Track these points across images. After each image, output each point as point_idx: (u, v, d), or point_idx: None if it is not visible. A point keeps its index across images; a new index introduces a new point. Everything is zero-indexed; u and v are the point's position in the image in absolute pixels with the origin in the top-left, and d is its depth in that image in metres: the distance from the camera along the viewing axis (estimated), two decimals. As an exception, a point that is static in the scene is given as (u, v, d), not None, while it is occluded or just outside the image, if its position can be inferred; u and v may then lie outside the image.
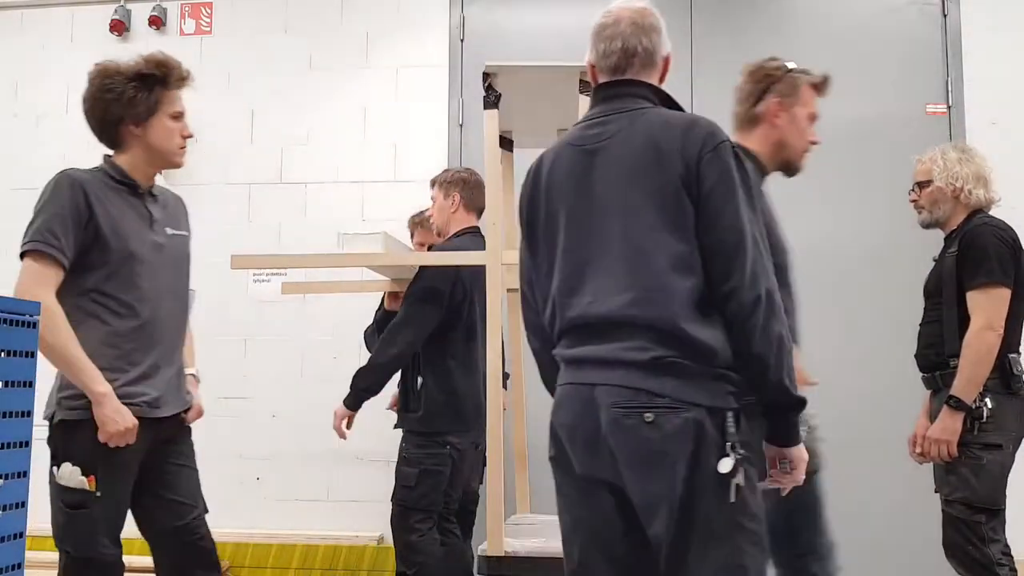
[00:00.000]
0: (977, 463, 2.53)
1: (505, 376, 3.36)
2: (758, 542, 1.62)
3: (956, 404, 2.53)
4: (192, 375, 2.40)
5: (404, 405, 3.13)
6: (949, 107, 3.95)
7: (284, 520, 4.08)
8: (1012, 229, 2.69)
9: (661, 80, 1.84)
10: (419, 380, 3.06)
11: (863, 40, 4.01)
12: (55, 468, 2.09)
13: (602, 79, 1.84)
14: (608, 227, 1.70)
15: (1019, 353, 2.65)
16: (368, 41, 4.32)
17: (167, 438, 2.23)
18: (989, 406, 2.54)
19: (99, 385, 2.03)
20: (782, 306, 1.65)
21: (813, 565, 2.17)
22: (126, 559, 2.22)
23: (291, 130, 4.31)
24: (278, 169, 4.30)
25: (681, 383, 1.60)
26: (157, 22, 4.41)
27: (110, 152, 2.26)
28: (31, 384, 2.71)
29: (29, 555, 3.03)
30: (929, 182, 2.80)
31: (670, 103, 1.81)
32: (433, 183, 3.30)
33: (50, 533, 4.42)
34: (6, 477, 2.58)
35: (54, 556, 4.06)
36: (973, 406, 2.53)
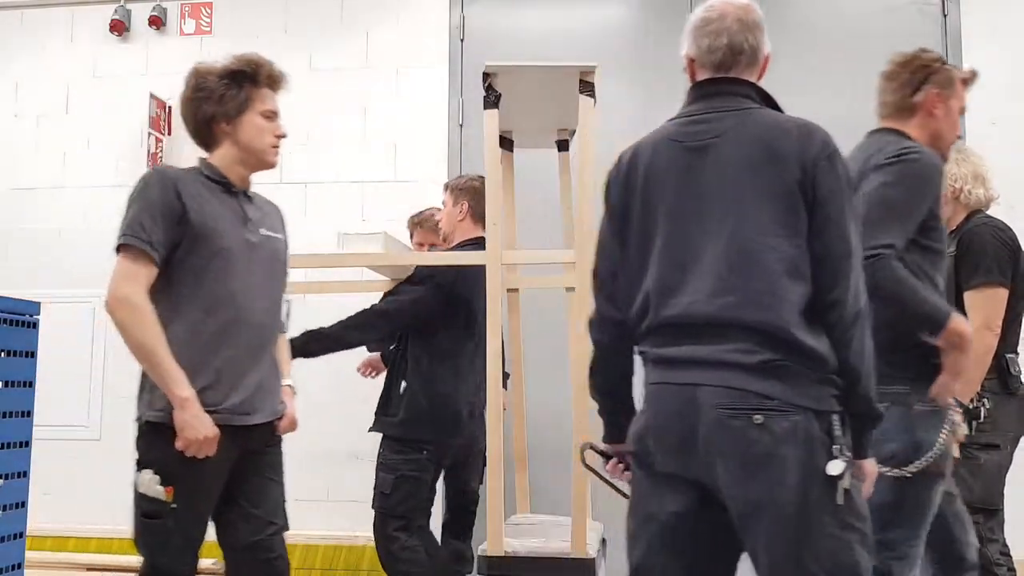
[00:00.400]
0: (974, 463, 2.53)
1: (505, 376, 3.36)
2: (866, 542, 1.61)
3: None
4: (288, 386, 2.32)
5: (383, 408, 3.09)
6: (949, 107, 3.95)
7: (284, 520, 4.08)
8: (1010, 229, 2.69)
9: (758, 79, 1.83)
10: (403, 384, 3.02)
11: (863, 40, 4.01)
12: (136, 474, 2.06)
13: (702, 75, 1.82)
14: (715, 226, 1.68)
15: (1017, 353, 2.65)
16: (368, 41, 4.32)
17: (256, 448, 2.16)
18: (987, 406, 2.54)
19: (182, 389, 1.97)
20: None
21: (893, 563, 2.14)
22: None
23: (291, 130, 4.29)
24: (278, 169, 4.27)
25: (788, 386, 1.59)
26: (157, 22, 4.41)
27: (205, 155, 2.25)
28: (31, 384, 2.72)
29: (29, 555, 3.03)
30: None
31: (772, 104, 1.80)
32: (446, 187, 3.29)
33: (50, 533, 4.43)
34: (6, 477, 2.58)
35: (54, 556, 4.07)
36: (971, 407, 2.53)
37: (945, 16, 4.00)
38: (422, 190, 4.04)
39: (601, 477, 1.99)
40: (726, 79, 1.79)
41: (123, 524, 4.33)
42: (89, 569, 3.96)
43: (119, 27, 4.42)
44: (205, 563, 3.96)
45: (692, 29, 1.82)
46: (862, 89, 4.03)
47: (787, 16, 4.07)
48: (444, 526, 3.53)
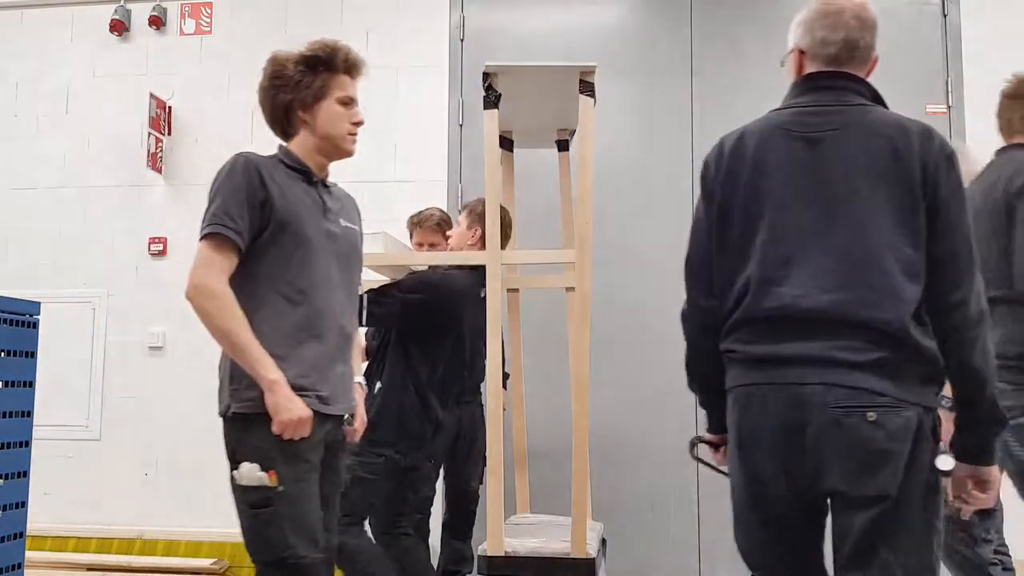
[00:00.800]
0: None
1: (505, 376, 3.36)
2: (940, 544, 1.65)
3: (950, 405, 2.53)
4: (359, 383, 2.30)
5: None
6: (949, 107, 3.95)
7: (284, 520, 4.08)
8: None
9: (867, 76, 1.82)
10: (377, 385, 2.99)
11: (863, 40, 4.01)
12: (234, 471, 1.96)
13: (813, 67, 1.81)
14: (827, 220, 1.66)
15: None
16: (368, 41, 4.32)
17: (328, 443, 2.09)
18: None
19: (271, 372, 1.91)
20: None
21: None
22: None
23: (291, 130, 4.31)
24: (278, 169, 4.30)
25: (898, 383, 1.59)
26: (157, 22, 4.41)
27: (284, 143, 2.20)
28: (31, 384, 2.72)
29: (29, 555, 3.03)
30: None
31: (882, 104, 1.79)
32: (464, 208, 3.29)
33: (50, 533, 4.41)
34: (6, 477, 2.58)
35: (54, 556, 4.07)
36: None
37: (945, 16, 4.00)
38: (422, 190, 4.05)
39: (711, 467, 2.01)
40: (841, 73, 1.78)
41: (122, 524, 4.34)
42: (89, 569, 3.96)
43: (119, 27, 4.42)
44: (205, 563, 3.97)
45: (807, 20, 1.82)
46: (862, 89, 4.06)
47: (787, 16, 4.06)
48: (444, 526, 3.53)
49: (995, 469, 1.68)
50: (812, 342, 1.62)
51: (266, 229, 2.01)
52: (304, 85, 2.10)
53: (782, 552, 1.73)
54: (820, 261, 1.65)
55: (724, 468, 1.92)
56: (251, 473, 1.92)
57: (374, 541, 3.05)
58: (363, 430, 2.28)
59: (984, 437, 1.65)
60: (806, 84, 1.81)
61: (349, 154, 2.21)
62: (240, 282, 1.97)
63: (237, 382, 1.97)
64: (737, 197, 1.76)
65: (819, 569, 1.75)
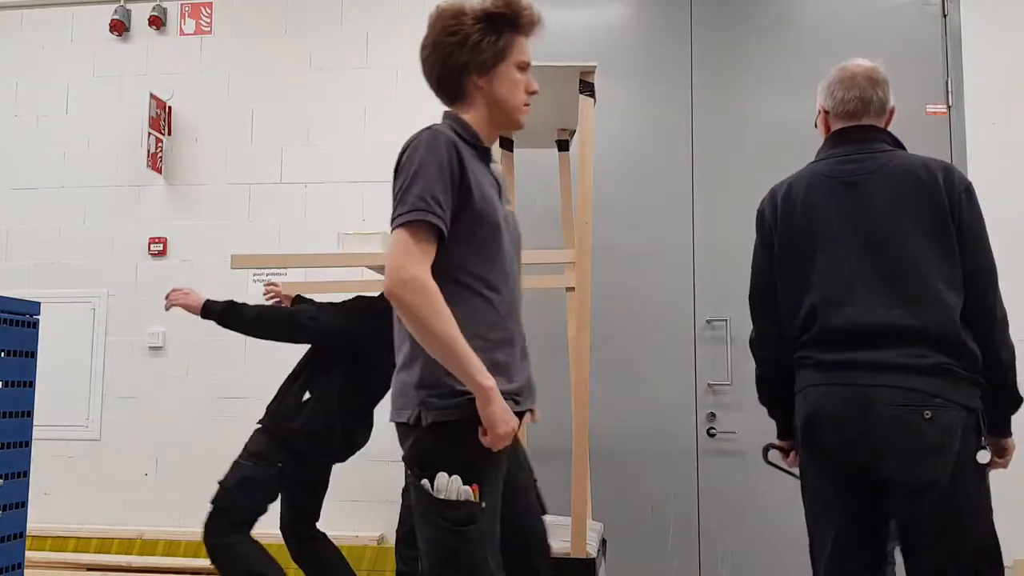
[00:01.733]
0: None
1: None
2: (992, 522, 1.94)
3: None
4: None
5: (277, 407, 3.00)
6: (949, 107, 3.95)
7: (284, 520, 4.08)
8: None
9: (886, 126, 2.18)
10: (306, 395, 2.95)
11: (863, 40, 4.01)
12: (426, 481, 1.75)
13: (838, 124, 2.16)
14: (879, 249, 1.98)
15: None
16: (368, 41, 4.32)
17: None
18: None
19: (487, 378, 1.71)
20: None
21: None
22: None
23: (291, 130, 4.31)
24: (278, 169, 4.31)
25: (949, 385, 1.89)
26: (157, 22, 4.41)
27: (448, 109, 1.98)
28: (31, 384, 2.72)
29: (29, 555, 3.03)
30: None
31: (902, 147, 2.12)
32: None
33: (50, 533, 4.39)
34: (6, 477, 2.58)
35: (54, 556, 4.07)
36: None
37: (945, 16, 4.00)
38: (422, 190, 4.05)
39: (783, 470, 2.30)
40: (865, 127, 2.13)
41: (122, 524, 4.31)
42: (89, 569, 3.96)
43: (119, 27, 4.42)
44: (205, 563, 3.97)
45: (828, 85, 2.17)
46: (862, 89, 4.06)
47: (787, 16, 4.07)
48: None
49: (1012, 440, 2.03)
50: (878, 351, 1.92)
51: (460, 214, 1.78)
52: (485, 46, 1.84)
53: (848, 531, 2.00)
54: (877, 284, 1.96)
55: (792, 470, 2.22)
56: (453, 486, 1.74)
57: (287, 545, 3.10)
58: (532, 421, 2.10)
59: (1005, 414, 2.00)
60: (837, 138, 2.14)
61: (520, 127, 1.96)
62: (435, 274, 1.76)
63: (430, 387, 1.78)
64: (792, 237, 2.09)
65: (880, 551, 2.01)
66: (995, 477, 2.59)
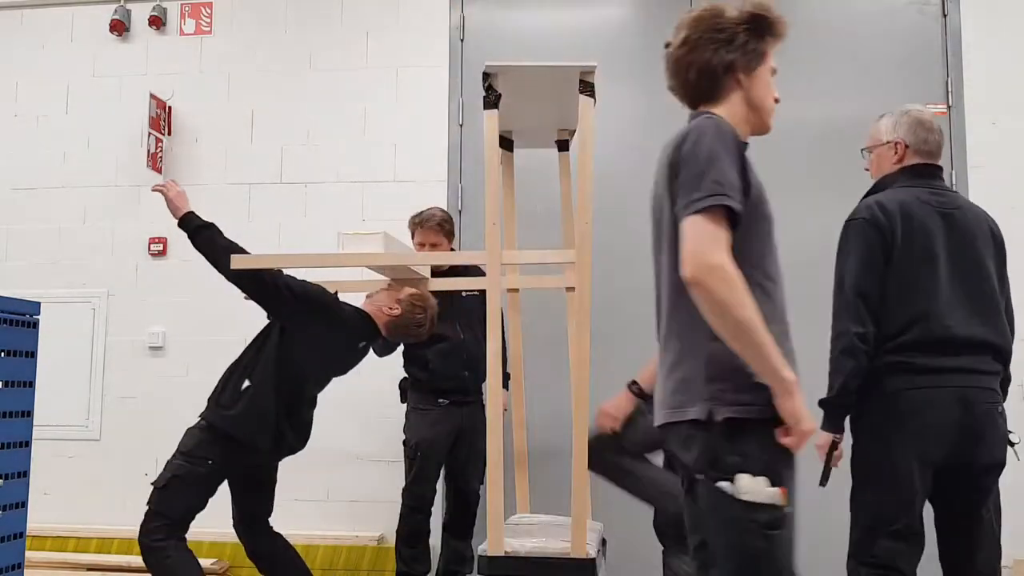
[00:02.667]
0: None
1: (505, 376, 3.36)
2: None
3: None
4: None
5: (217, 397, 2.95)
6: (949, 107, 3.95)
7: (284, 520, 4.07)
8: None
9: None
10: (246, 383, 2.91)
11: (863, 40, 4.01)
12: (726, 483, 1.64)
13: (916, 159, 2.50)
14: (970, 275, 2.39)
15: None
16: (368, 41, 4.32)
17: None
18: None
19: (789, 371, 1.63)
20: None
21: None
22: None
23: (291, 130, 4.31)
24: (278, 169, 4.31)
25: (1002, 389, 2.42)
26: (157, 22, 4.41)
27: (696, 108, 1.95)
28: (31, 384, 2.72)
29: (29, 555, 3.03)
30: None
31: None
32: (391, 281, 3.24)
33: (50, 533, 4.36)
34: (6, 477, 2.58)
35: (54, 556, 4.06)
36: None
37: (945, 16, 4.00)
38: (422, 190, 4.05)
39: (828, 464, 2.48)
40: (939, 166, 2.54)
41: (122, 524, 4.29)
42: (89, 569, 3.96)
43: (119, 27, 4.42)
44: (205, 563, 3.97)
45: (909, 124, 2.50)
46: (863, 89, 4.06)
47: (787, 16, 4.07)
48: (444, 526, 3.54)
49: None
50: (969, 357, 2.33)
51: (743, 206, 1.72)
52: (750, 46, 1.87)
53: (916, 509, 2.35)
54: (962, 302, 2.36)
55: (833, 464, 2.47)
56: (760, 488, 1.63)
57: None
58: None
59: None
60: (921, 171, 2.50)
61: (768, 130, 1.94)
62: None
63: (723, 381, 1.68)
64: (908, 250, 2.38)
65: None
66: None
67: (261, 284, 2.88)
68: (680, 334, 1.75)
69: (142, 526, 2.89)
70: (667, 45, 1.96)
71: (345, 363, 3.12)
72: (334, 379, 3.16)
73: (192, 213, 2.94)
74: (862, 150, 2.64)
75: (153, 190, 3.05)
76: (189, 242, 2.95)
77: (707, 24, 1.87)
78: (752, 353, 1.62)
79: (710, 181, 1.66)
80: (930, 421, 2.30)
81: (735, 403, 1.66)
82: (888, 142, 2.53)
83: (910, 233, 2.38)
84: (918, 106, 2.54)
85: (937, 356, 2.32)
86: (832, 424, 2.42)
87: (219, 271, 2.89)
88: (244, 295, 2.95)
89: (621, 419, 2.71)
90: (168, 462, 2.94)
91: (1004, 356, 2.40)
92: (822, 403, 2.40)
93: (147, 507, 2.91)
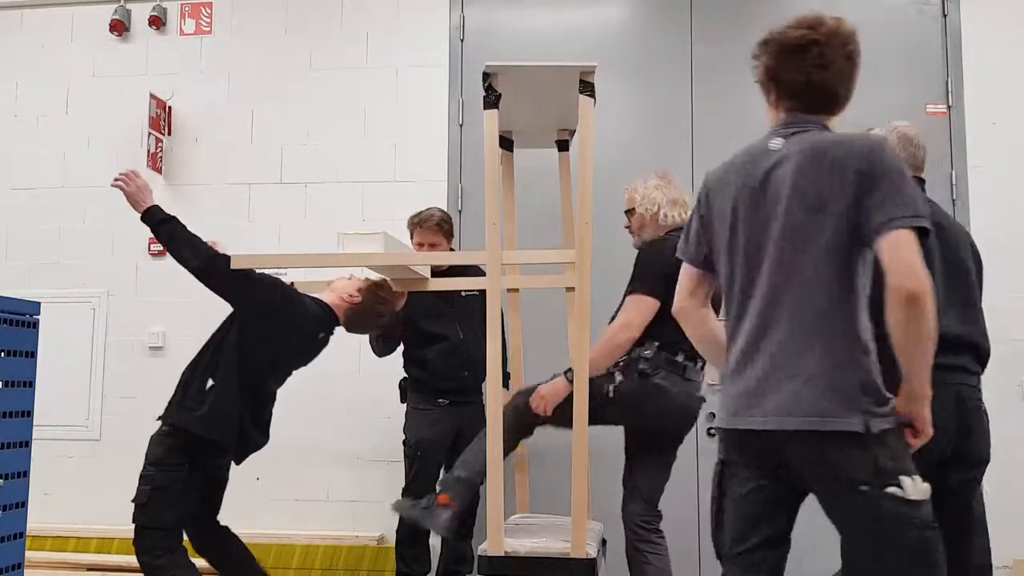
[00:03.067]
0: None
1: (506, 376, 3.36)
2: None
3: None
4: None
5: (181, 400, 2.89)
6: (949, 107, 3.95)
7: (284, 520, 4.08)
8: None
9: None
10: (209, 382, 2.87)
11: (863, 40, 3.99)
12: (895, 488, 1.73)
13: (912, 173, 2.45)
14: (959, 281, 2.44)
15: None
16: (368, 41, 4.32)
17: None
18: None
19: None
20: None
21: None
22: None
23: (291, 130, 4.31)
24: (278, 169, 4.30)
25: None
26: (157, 22, 4.41)
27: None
28: (31, 384, 2.72)
29: (29, 555, 3.03)
30: (633, 210, 3.07)
31: None
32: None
33: (50, 533, 4.37)
34: (6, 477, 2.58)
35: (54, 556, 4.06)
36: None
37: (945, 16, 4.00)
38: (422, 190, 4.05)
39: None
40: (924, 179, 2.56)
41: (122, 524, 4.30)
42: (89, 569, 3.96)
43: (119, 27, 4.42)
44: (205, 563, 3.97)
45: (900, 137, 2.54)
46: (862, 89, 4.05)
47: (787, 16, 4.06)
48: (444, 526, 3.53)
49: None
50: (959, 357, 2.35)
51: None
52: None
53: None
54: (959, 306, 2.39)
55: None
56: (920, 486, 1.75)
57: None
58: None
59: None
60: (918, 184, 2.47)
61: None
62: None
63: (873, 393, 1.78)
64: (934, 254, 2.40)
65: None
66: (995, 478, 2.61)
67: (222, 275, 2.86)
68: (829, 340, 1.78)
69: (137, 544, 2.85)
70: (814, 43, 2.01)
71: (305, 354, 3.07)
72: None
73: (156, 207, 2.94)
74: None
75: (113, 185, 3.02)
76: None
77: (854, 41, 2.06)
78: (926, 366, 1.76)
79: (921, 200, 1.78)
80: (934, 417, 2.33)
81: (884, 414, 1.76)
82: None
83: (934, 243, 2.46)
84: (905, 122, 2.59)
85: (939, 355, 2.34)
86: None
87: (182, 264, 2.89)
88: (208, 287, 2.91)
89: (553, 405, 2.84)
90: (142, 475, 2.87)
91: (984, 358, 2.47)
92: None
93: (135, 525, 2.86)
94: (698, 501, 3.84)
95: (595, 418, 2.67)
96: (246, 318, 2.89)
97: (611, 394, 2.80)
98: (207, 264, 2.87)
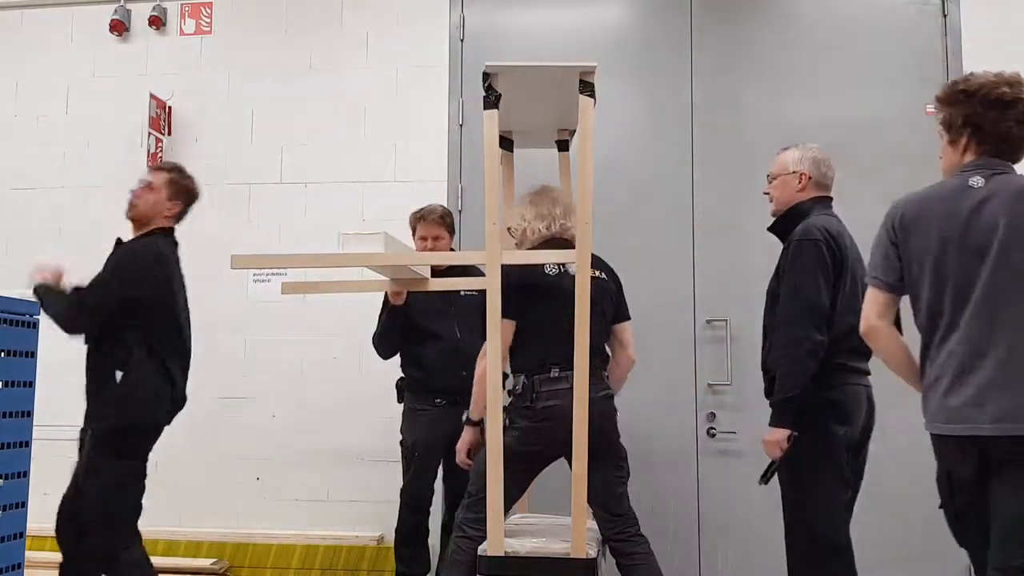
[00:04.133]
0: None
1: (506, 376, 3.35)
2: None
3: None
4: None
5: (97, 407, 2.95)
6: (949, 107, 3.94)
7: (284, 520, 4.08)
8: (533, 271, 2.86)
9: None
10: (119, 374, 2.89)
11: (863, 40, 4.01)
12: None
13: (821, 192, 2.88)
14: (852, 288, 2.69)
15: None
16: (368, 41, 4.32)
17: None
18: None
19: None
20: None
21: None
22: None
23: (291, 130, 4.31)
24: (278, 169, 4.30)
25: None
26: (157, 22, 4.41)
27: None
28: (31, 384, 2.72)
29: (29, 555, 3.03)
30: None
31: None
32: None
33: (50, 533, 4.39)
34: (6, 477, 2.58)
35: (54, 556, 4.06)
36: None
37: (945, 16, 4.00)
38: (422, 190, 4.04)
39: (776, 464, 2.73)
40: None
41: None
42: (89, 569, 3.95)
43: (119, 27, 4.42)
44: (205, 563, 3.97)
45: (812, 157, 2.87)
46: (862, 89, 4.06)
47: (787, 16, 4.07)
48: (444, 526, 3.53)
49: None
50: (865, 361, 2.67)
51: None
52: None
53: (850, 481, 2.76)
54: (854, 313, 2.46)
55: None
56: None
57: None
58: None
59: None
60: (829, 202, 2.90)
61: None
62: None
63: None
64: (842, 269, 2.74)
65: None
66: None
67: (95, 307, 2.94)
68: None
69: (95, 541, 2.83)
70: (1019, 101, 2.14)
71: (183, 284, 3.14)
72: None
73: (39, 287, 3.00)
74: (768, 176, 2.93)
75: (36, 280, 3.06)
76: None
77: None
78: None
79: None
80: (855, 413, 2.69)
81: None
82: (794, 172, 2.84)
83: (844, 254, 2.70)
84: (816, 145, 2.87)
85: (859, 358, 2.67)
86: (788, 421, 2.64)
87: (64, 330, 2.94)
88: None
89: (466, 452, 2.91)
90: (86, 494, 2.87)
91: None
92: (782, 402, 2.64)
93: (90, 525, 2.83)
94: (698, 501, 3.84)
95: (528, 472, 2.77)
96: (149, 313, 2.94)
97: (516, 446, 2.64)
98: (70, 313, 2.95)
